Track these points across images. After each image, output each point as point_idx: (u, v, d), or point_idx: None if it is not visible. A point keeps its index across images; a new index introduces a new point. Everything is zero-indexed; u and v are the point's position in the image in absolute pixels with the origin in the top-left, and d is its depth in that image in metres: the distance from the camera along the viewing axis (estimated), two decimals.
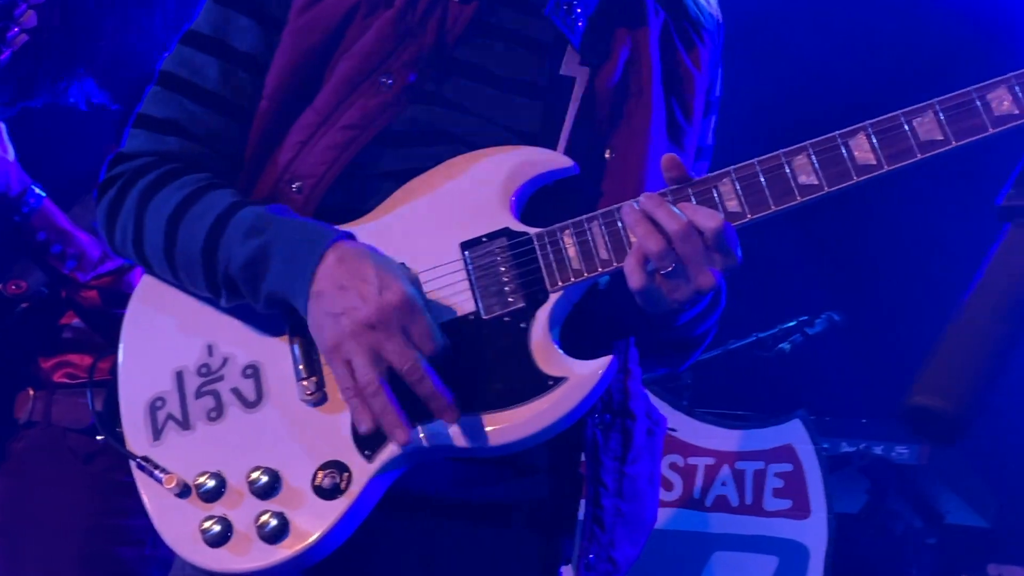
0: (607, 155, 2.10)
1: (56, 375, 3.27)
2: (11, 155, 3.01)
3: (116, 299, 3.13)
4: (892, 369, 3.82)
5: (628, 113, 2.14)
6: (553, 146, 2.10)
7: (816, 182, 1.91)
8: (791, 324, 5.13)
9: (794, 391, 5.15)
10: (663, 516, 4.57)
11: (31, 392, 3.27)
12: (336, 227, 1.97)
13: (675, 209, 1.87)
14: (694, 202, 1.92)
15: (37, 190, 3.03)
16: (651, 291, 1.88)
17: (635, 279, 1.88)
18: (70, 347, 3.26)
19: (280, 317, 2.01)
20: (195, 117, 2.11)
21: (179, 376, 2.08)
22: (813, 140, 1.92)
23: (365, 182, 2.05)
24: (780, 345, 5.09)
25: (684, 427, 4.78)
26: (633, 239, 1.91)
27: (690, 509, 4.67)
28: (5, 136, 3.02)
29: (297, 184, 2.07)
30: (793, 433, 4.60)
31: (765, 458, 4.64)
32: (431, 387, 1.87)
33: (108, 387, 2.10)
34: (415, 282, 1.94)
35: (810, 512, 4.49)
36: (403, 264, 1.96)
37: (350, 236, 1.96)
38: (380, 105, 2.07)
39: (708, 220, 1.86)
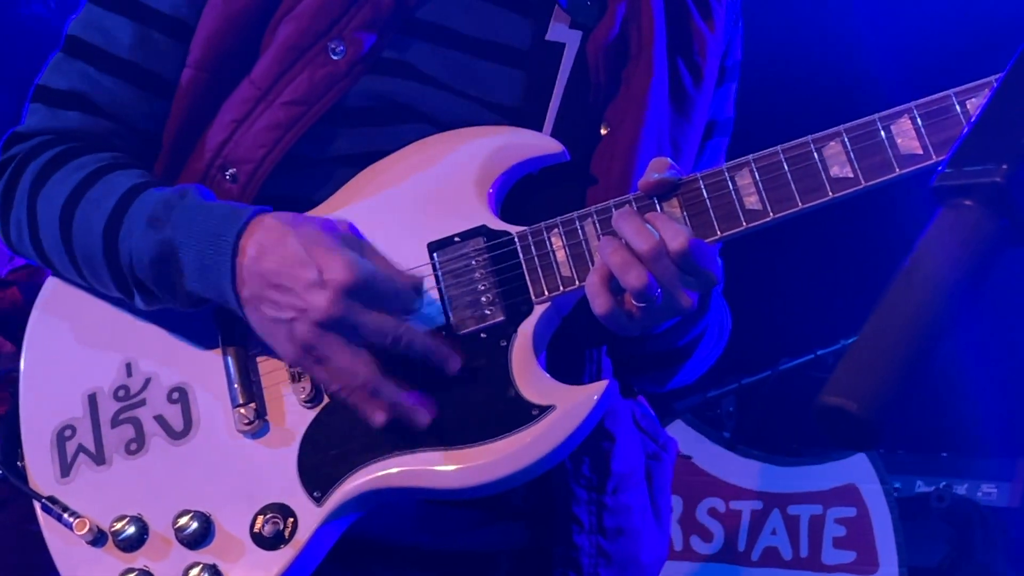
0: (603, 131, 2.11)
1: None
2: None
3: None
4: (978, 394, 3.88)
5: (626, 78, 2.16)
6: (539, 123, 2.12)
7: (851, 175, 1.93)
8: (855, 340, 5.14)
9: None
10: (700, 572, 4.63)
11: None
12: (246, 205, 1.98)
13: (648, 225, 1.89)
14: (705, 195, 1.95)
15: None
16: (617, 315, 1.91)
17: (599, 302, 1.91)
18: None
19: (210, 322, 2.03)
20: (101, 88, 2.12)
21: (92, 400, 2.10)
22: (848, 124, 1.94)
23: (313, 169, 2.07)
24: None
25: (725, 464, 4.87)
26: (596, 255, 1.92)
27: (733, 564, 4.73)
28: None
29: (231, 171, 2.08)
30: (857, 470, 4.68)
31: (824, 501, 4.72)
32: (428, 342, 1.93)
33: (7, 412, 2.12)
34: (348, 238, 1.94)
35: (878, 566, 4.56)
36: (326, 219, 1.96)
37: (263, 211, 1.96)
38: (329, 76, 2.08)
39: (673, 239, 1.88)
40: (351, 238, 1.94)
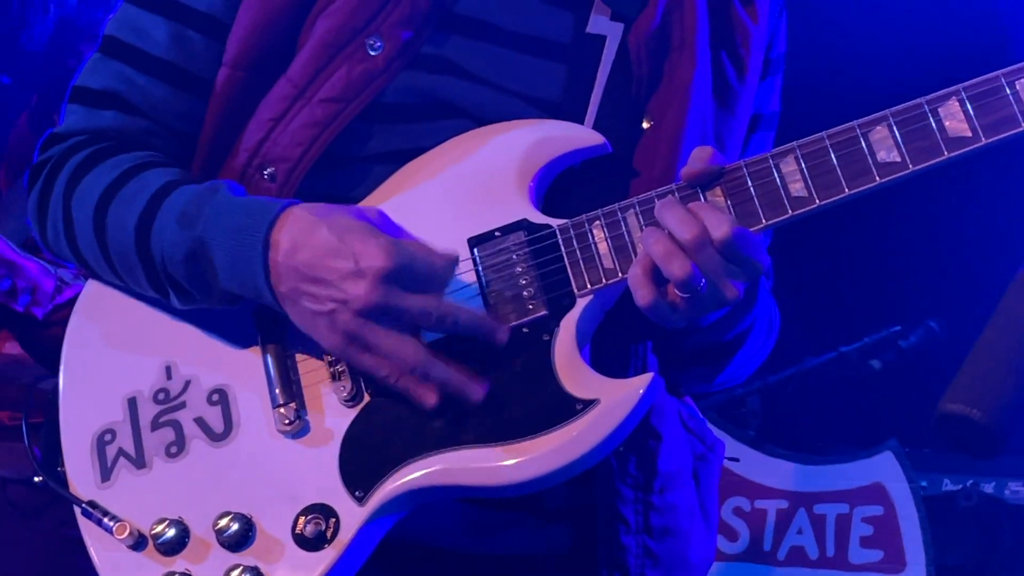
0: (645, 125, 2.11)
1: None
2: None
3: None
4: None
5: (668, 71, 2.15)
6: (580, 117, 2.12)
7: (898, 159, 1.91)
8: (881, 336, 5.15)
9: (885, 417, 5.18)
10: (725, 572, 4.60)
11: None
12: (276, 199, 1.99)
13: (691, 215, 1.89)
14: (749, 183, 1.94)
15: None
16: (660, 306, 1.91)
17: (642, 294, 1.90)
18: None
19: (249, 322, 2.04)
20: (137, 87, 2.14)
21: (132, 404, 2.10)
22: (894, 108, 1.93)
23: (352, 166, 2.08)
24: (868, 362, 5.12)
25: (750, 463, 4.86)
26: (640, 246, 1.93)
27: (759, 563, 4.72)
28: None
29: (269, 170, 2.09)
30: (884, 469, 4.66)
31: (850, 500, 4.70)
32: (474, 316, 1.94)
33: (47, 418, 2.13)
34: (379, 219, 1.95)
35: (906, 565, 4.56)
36: (357, 208, 1.98)
37: (293, 204, 1.98)
38: (367, 73, 2.08)
39: (717, 227, 1.88)
40: (384, 224, 1.96)
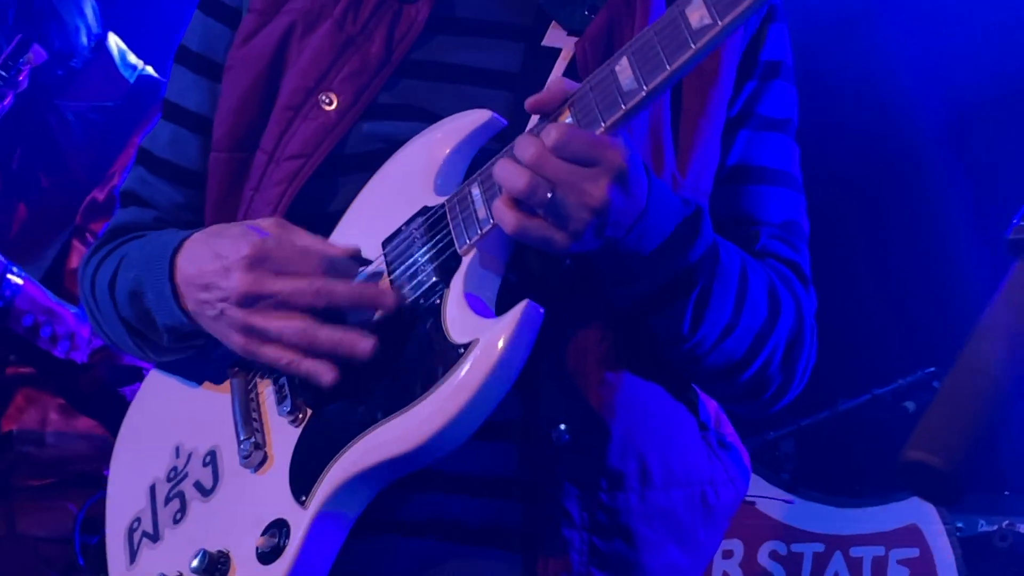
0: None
1: (15, 478, 3.33)
2: None
3: (121, 374, 3.24)
4: None
5: None
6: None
7: (709, 21, 1.84)
8: (915, 377, 5.11)
9: None
10: None
11: None
12: (183, 231, 2.15)
13: (530, 136, 1.88)
14: (591, 95, 1.91)
15: (15, 271, 3.18)
16: (529, 230, 1.88)
17: (506, 220, 1.88)
18: (25, 442, 3.33)
19: (226, 381, 2.17)
20: (149, 185, 2.34)
21: (152, 490, 2.24)
22: None
23: (321, 223, 2.13)
24: (903, 404, 5.08)
25: (785, 507, 4.85)
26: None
27: None
28: None
29: None
30: (919, 511, 4.65)
31: (886, 542, 4.69)
32: (352, 288, 1.99)
33: (100, 526, 2.25)
34: (272, 225, 2.05)
35: None
36: (247, 222, 2.09)
37: (198, 230, 2.13)
38: (322, 127, 2.15)
39: (547, 136, 1.85)
40: (279, 227, 2.06)
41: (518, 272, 2.04)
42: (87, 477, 3.35)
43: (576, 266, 2.03)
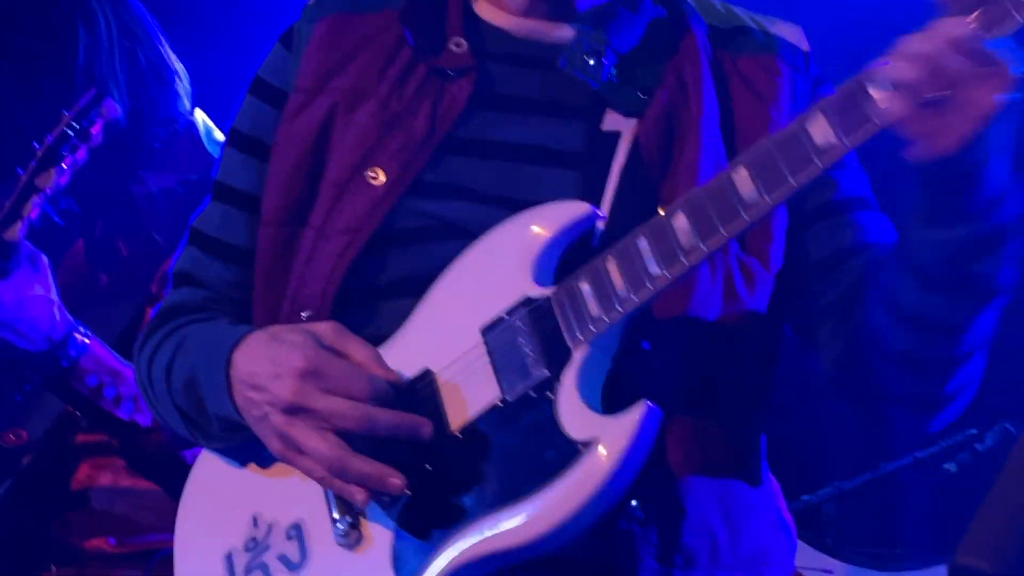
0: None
1: (88, 543, 3.32)
2: (55, 295, 3.20)
3: (183, 438, 3.30)
4: None
5: (677, 153, 2.19)
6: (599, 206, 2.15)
7: (836, 141, 1.90)
8: (957, 439, 5.11)
9: (963, 521, 5.11)
10: None
11: (54, 571, 3.32)
12: (243, 327, 2.21)
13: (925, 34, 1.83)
14: (705, 195, 1.97)
15: (82, 330, 3.21)
16: (917, 121, 1.83)
17: (899, 105, 1.82)
18: (99, 501, 3.37)
19: None
20: (202, 265, 2.38)
21: (229, 559, 2.24)
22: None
23: (372, 300, 2.20)
24: (944, 466, 5.07)
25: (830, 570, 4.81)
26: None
27: None
28: (49, 274, 3.22)
29: (306, 313, 2.21)
30: None
31: None
32: (392, 419, 2.03)
33: None
34: (328, 329, 2.09)
35: None
36: (309, 325, 2.14)
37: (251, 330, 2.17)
38: (370, 202, 2.19)
39: (954, 29, 1.81)
40: (336, 333, 2.10)
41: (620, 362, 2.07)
42: (155, 540, 3.34)
43: (657, 352, 2.08)
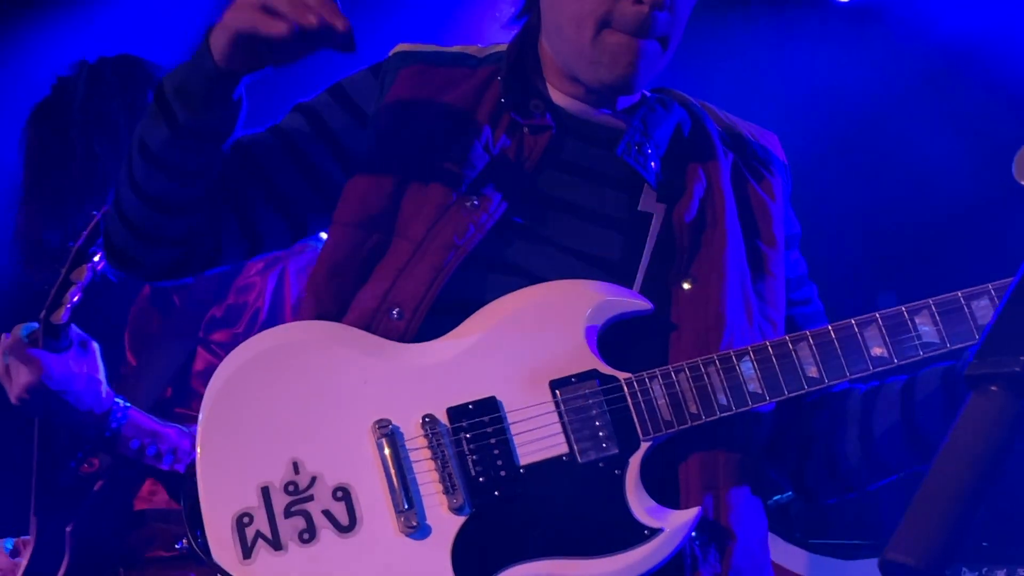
0: (685, 286, 2.43)
1: (147, 550, 3.67)
2: (101, 373, 3.54)
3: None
4: (1014, 489, 4.17)
5: (705, 243, 2.46)
6: (631, 276, 2.44)
7: (887, 355, 2.35)
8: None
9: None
10: None
11: (121, 572, 3.67)
12: None
13: None
14: (773, 355, 2.36)
15: (121, 402, 3.56)
16: None
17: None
18: (156, 519, 3.71)
19: (364, 427, 2.32)
20: (302, 137, 2.63)
21: (265, 492, 2.29)
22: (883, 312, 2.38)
23: (466, 305, 2.39)
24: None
25: (800, 562, 5.08)
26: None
27: None
28: (98, 355, 3.56)
29: (397, 310, 2.38)
30: None
31: None
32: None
33: (186, 489, 2.35)
34: None
35: None
36: None
37: None
38: (472, 222, 2.40)
39: None
40: None
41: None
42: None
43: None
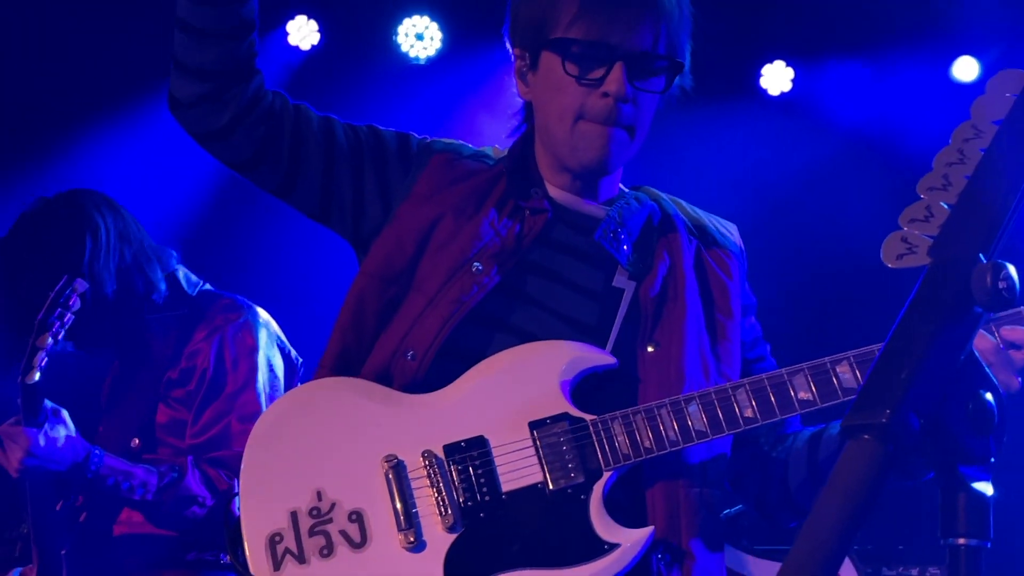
0: (650, 349, 2.57)
1: (130, 565, 4.04)
2: (72, 431, 3.93)
3: (181, 504, 4.04)
4: (922, 503, 4.39)
5: (667, 315, 2.62)
6: (605, 338, 2.59)
7: (811, 398, 2.48)
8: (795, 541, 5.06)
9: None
10: None
11: None
12: None
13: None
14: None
15: (97, 451, 3.94)
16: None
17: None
18: (133, 539, 4.08)
19: (375, 462, 2.48)
20: (305, 114, 2.70)
21: (293, 516, 2.47)
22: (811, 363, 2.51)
23: (468, 354, 2.55)
24: None
25: (749, 568, 5.22)
26: None
27: None
28: (67, 418, 3.94)
29: (411, 352, 2.55)
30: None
31: None
32: None
33: (228, 515, 2.54)
34: None
35: None
36: None
37: None
38: (475, 284, 2.57)
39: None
40: None
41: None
42: (175, 563, 4.03)
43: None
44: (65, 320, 3.86)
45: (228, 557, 2.55)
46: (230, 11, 2.58)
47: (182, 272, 4.28)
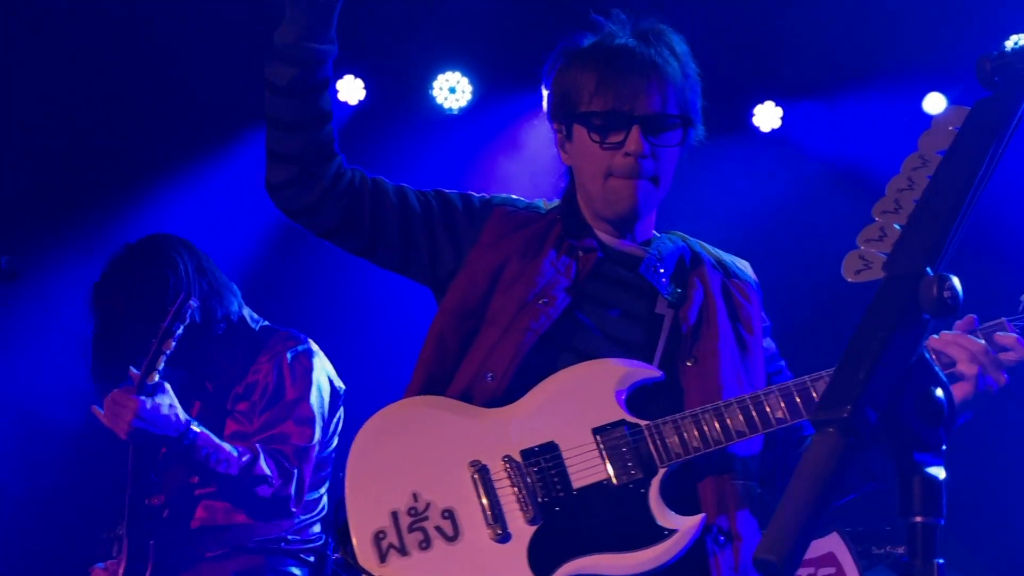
0: (688, 363, 2.74)
1: (203, 551, 4.30)
2: (175, 401, 4.15)
3: (255, 480, 4.38)
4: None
5: (703, 335, 2.80)
6: (651, 355, 2.77)
7: (785, 417, 2.59)
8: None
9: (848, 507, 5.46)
10: None
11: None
12: None
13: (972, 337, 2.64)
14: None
15: (195, 425, 4.21)
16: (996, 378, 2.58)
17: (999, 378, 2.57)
18: (208, 531, 4.35)
19: (463, 466, 2.61)
20: (383, 188, 2.80)
21: (395, 515, 2.63)
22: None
23: (535, 375, 2.70)
24: None
25: None
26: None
27: None
28: (171, 391, 4.19)
29: (491, 374, 2.71)
30: (834, 542, 5.20)
31: (814, 564, 5.22)
32: None
33: (338, 518, 2.66)
34: None
35: None
36: None
37: None
38: (543, 314, 2.74)
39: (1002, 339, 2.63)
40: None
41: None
42: (243, 550, 4.27)
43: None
44: (179, 332, 4.06)
45: (340, 553, 2.68)
46: (308, 103, 2.74)
47: (247, 311, 4.57)
